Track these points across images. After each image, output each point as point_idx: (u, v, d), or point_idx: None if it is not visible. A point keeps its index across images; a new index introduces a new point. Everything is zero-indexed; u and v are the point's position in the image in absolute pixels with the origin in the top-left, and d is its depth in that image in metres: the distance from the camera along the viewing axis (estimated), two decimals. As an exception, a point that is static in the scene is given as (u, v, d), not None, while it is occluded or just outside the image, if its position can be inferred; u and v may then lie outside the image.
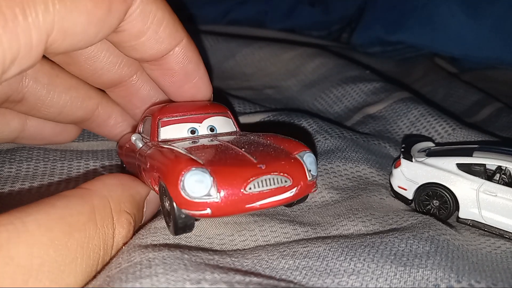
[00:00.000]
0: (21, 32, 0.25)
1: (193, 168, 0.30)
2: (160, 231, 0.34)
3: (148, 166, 0.35)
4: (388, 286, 0.29)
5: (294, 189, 0.33)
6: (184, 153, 0.33)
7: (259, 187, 0.31)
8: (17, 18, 0.24)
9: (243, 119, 0.58)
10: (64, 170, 0.47)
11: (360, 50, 0.96)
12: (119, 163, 0.49)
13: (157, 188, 0.34)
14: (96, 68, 0.42)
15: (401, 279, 0.30)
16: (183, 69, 0.40)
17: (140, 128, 0.43)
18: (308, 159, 0.35)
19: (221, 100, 0.47)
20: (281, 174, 0.32)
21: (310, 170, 0.34)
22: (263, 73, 0.80)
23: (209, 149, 0.35)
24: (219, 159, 0.32)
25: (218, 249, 0.34)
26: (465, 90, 0.77)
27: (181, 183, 0.30)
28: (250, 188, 0.31)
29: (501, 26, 0.81)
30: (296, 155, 0.35)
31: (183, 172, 0.30)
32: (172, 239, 0.34)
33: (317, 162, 0.36)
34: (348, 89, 0.70)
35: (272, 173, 0.32)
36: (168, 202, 0.32)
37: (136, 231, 0.34)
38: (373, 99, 0.66)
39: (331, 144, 0.51)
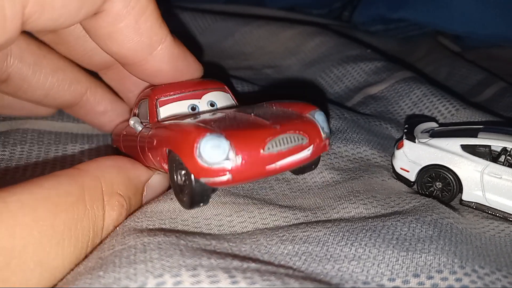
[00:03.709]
0: None
1: (208, 134, 0.29)
2: (156, 216, 0.33)
3: (154, 144, 0.34)
4: (390, 272, 0.28)
5: (311, 147, 0.33)
6: (193, 123, 0.32)
7: (277, 146, 0.30)
8: None
9: (242, 99, 0.56)
10: (58, 153, 0.46)
11: (361, 28, 0.93)
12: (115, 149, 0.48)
13: (166, 166, 0.33)
14: (86, 49, 0.40)
15: (403, 264, 0.29)
16: (173, 67, 0.38)
17: (136, 113, 0.42)
18: (319, 117, 0.35)
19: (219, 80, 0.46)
20: (297, 132, 0.32)
21: (323, 128, 0.34)
22: (262, 52, 0.79)
23: (217, 119, 0.34)
24: (231, 125, 0.31)
25: (216, 231, 0.33)
26: (469, 69, 0.75)
27: (197, 150, 0.28)
28: (268, 148, 0.30)
29: (506, 3, 0.79)
30: (308, 114, 0.34)
31: (198, 139, 0.28)
32: (168, 223, 0.33)
33: (328, 120, 0.36)
34: (349, 69, 0.68)
35: (288, 132, 0.31)
36: (181, 176, 0.31)
37: (133, 208, 0.34)
38: (375, 79, 0.65)
39: (331, 126, 0.50)
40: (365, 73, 0.67)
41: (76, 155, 0.47)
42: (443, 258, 0.29)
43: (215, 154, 0.28)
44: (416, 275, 0.28)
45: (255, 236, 0.32)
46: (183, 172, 0.31)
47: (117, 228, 0.31)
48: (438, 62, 0.80)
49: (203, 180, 0.29)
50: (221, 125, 0.31)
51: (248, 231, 0.33)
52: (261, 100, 0.54)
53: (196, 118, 0.35)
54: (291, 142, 0.31)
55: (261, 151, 0.30)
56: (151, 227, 0.32)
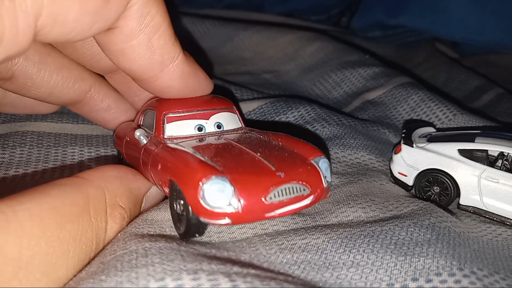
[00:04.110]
0: (6, 14, 0.23)
1: (214, 177, 0.29)
2: (157, 224, 0.33)
3: (157, 167, 0.34)
4: (388, 278, 0.29)
5: (311, 197, 0.32)
6: (200, 158, 0.32)
7: (279, 196, 0.30)
8: None
9: (241, 106, 0.57)
10: (58, 156, 0.46)
11: (359, 34, 0.94)
12: (115, 151, 0.48)
13: (167, 190, 0.33)
14: (94, 53, 0.40)
15: (402, 269, 0.29)
16: (183, 84, 0.37)
17: (140, 121, 0.42)
18: (323, 165, 0.34)
19: (219, 87, 0.46)
20: (300, 182, 0.32)
21: (325, 177, 0.34)
22: (261, 57, 0.79)
23: (223, 152, 0.34)
24: (236, 165, 0.31)
25: (216, 238, 0.33)
26: (466, 76, 0.76)
27: (201, 192, 0.29)
28: (270, 198, 0.30)
29: (503, 10, 0.80)
30: (312, 161, 0.34)
31: (203, 181, 0.29)
32: (169, 231, 0.33)
33: (331, 167, 0.35)
34: (347, 74, 0.68)
35: (291, 182, 0.31)
36: (181, 207, 0.32)
37: (132, 220, 0.34)
38: (373, 84, 0.65)
39: (329, 132, 0.50)
40: (363, 78, 0.67)
41: (76, 157, 0.47)
42: (442, 261, 0.30)
43: (218, 198, 0.29)
44: (415, 279, 0.28)
45: (254, 245, 0.32)
46: (182, 202, 0.31)
47: (118, 234, 0.31)
48: (436, 68, 0.81)
49: (202, 219, 0.30)
50: (227, 164, 0.31)
51: (247, 238, 0.33)
52: (261, 115, 0.55)
53: (200, 142, 0.36)
54: (293, 192, 0.31)
55: (263, 199, 0.30)
56: (152, 233, 0.32)
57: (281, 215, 0.31)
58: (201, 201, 0.29)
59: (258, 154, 0.33)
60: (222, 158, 0.32)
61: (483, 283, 0.29)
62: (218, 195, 0.29)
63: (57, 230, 0.26)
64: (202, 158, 0.32)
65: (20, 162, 0.44)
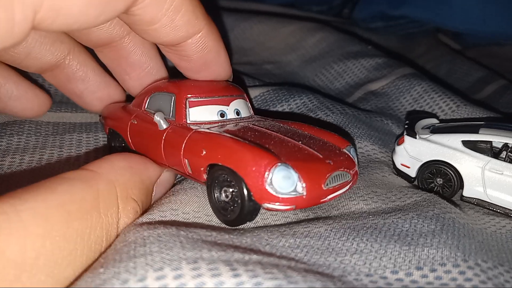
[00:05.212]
0: (1, 6, 0.22)
1: (279, 164, 0.30)
2: (157, 208, 0.33)
3: (197, 152, 0.33)
4: (393, 265, 0.28)
5: (350, 183, 0.34)
6: (254, 145, 0.32)
7: (332, 182, 0.32)
8: None
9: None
10: (56, 143, 0.46)
11: (362, 25, 0.93)
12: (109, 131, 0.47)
13: (205, 176, 0.33)
14: None
15: (406, 258, 0.29)
16: (202, 58, 0.37)
17: (145, 104, 0.40)
18: (354, 153, 0.37)
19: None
20: (345, 170, 0.34)
21: (357, 164, 0.36)
22: (262, 48, 0.78)
23: (266, 139, 0.34)
24: (289, 153, 0.32)
25: (216, 226, 0.33)
26: (469, 67, 0.75)
27: (269, 179, 0.29)
28: (327, 184, 0.32)
29: (507, 0, 0.79)
30: (345, 150, 0.36)
31: (270, 167, 0.29)
32: (169, 216, 0.32)
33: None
34: (349, 65, 0.68)
35: (339, 169, 0.33)
36: (228, 194, 0.32)
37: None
38: (375, 75, 0.65)
39: (332, 120, 0.49)
40: (365, 69, 0.66)
41: (74, 143, 0.46)
42: (446, 252, 0.29)
43: (286, 184, 0.30)
44: (419, 268, 0.28)
45: (256, 231, 0.32)
46: (231, 190, 0.32)
47: None
48: (438, 59, 0.80)
49: (265, 205, 0.30)
50: (281, 152, 0.32)
51: (249, 228, 0.33)
52: (263, 102, 0.54)
53: (236, 127, 0.36)
54: (341, 179, 0.33)
55: (323, 186, 0.31)
56: (151, 220, 0.31)
57: (330, 200, 0.33)
58: (268, 188, 0.29)
59: (300, 142, 0.34)
60: (270, 145, 0.33)
61: (487, 275, 0.28)
62: (285, 181, 0.29)
63: (63, 228, 0.24)
64: (257, 145, 0.32)
65: (17, 149, 0.44)
